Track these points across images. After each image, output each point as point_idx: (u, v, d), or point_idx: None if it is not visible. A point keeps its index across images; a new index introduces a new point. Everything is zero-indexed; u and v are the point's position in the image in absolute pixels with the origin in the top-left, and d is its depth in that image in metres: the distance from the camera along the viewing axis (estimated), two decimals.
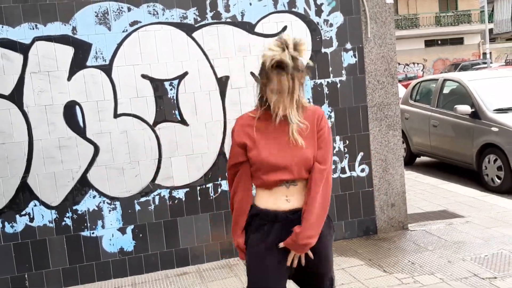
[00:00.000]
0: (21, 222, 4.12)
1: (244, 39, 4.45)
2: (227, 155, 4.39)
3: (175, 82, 4.32)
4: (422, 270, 3.90)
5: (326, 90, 4.64)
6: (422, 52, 35.19)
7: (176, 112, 4.33)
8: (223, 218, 4.47)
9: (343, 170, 4.73)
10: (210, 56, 4.37)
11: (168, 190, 4.36)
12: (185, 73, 4.34)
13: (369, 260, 4.20)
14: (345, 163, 4.73)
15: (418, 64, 34.93)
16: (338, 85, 4.66)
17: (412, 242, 4.55)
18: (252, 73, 4.39)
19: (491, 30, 36.85)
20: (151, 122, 4.28)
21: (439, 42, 36.08)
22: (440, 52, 35.38)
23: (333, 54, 4.63)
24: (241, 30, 4.44)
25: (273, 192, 2.22)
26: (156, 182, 4.34)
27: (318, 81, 4.61)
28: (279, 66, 2.11)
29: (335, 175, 4.69)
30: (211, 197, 4.45)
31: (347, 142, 4.72)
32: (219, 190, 4.46)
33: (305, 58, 2.22)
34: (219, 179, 4.45)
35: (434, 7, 35.33)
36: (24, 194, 4.10)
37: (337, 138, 4.69)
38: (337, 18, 4.61)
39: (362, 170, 4.79)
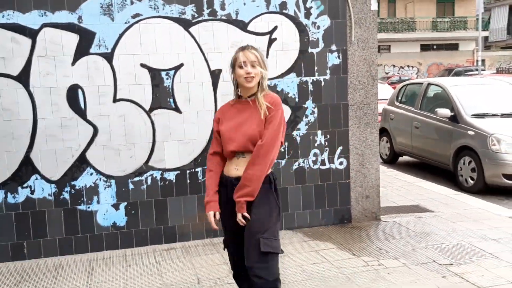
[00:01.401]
0: (22, 194, 4.46)
1: (237, 36, 4.80)
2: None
3: (171, 72, 4.67)
4: (387, 255, 4.30)
5: (311, 87, 5.01)
6: (418, 56, 35.66)
7: (171, 100, 4.69)
8: None
9: (322, 162, 5.11)
10: (204, 50, 4.73)
11: (160, 172, 4.72)
12: (181, 65, 4.69)
13: (340, 244, 4.60)
14: (325, 155, 5.11)
15: (413, 67, 35.38)
16: (322, 84, 5.03)
17: (382, 231, 4.95)
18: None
19: (486, 38, 37.39)
20: (147, 108, 4.64)
21: (435, 47, 36.58)
22: (435, 56, 35.86)
23: (319, 54, 5.00)
24: (234, 28, 4.79)
25: (229, 163, 2.83)
26: (149, 163, 4.69)
27: (304, 78, 4.98)
28: (241, 48, 2.82)
29: (315, 166, 5.08)
30: (200, 181, 4.82)
31: (328, 136, 5.10)
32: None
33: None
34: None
35: (431, 12, 35.80)
36: (27, 168, 4.44)
37: (319, 132, 5.07)
38: (325, 21, 4.98)
39: (341, 163, 5.18)
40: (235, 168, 2.77)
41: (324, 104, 5.06)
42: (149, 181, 4.70)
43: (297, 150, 5.05)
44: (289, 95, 4.98)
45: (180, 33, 4.66)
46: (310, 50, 4.98)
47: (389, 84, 20.50)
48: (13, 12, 4.31)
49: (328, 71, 5.04)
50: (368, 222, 5.24)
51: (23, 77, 4.38)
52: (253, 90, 2.78)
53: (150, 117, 4.66)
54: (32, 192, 4.48)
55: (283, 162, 5.01)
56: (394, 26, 34.49)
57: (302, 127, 5.04)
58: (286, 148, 5.01)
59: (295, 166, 5.05)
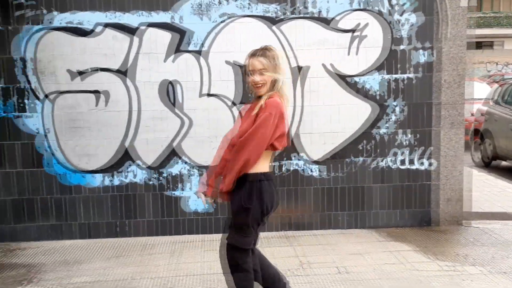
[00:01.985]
0: (116, 178, 4.93)
1: (320, 33, 4.87)
2: (291, 137, 4.90)
3: None
4: (464, 261, 4.14)
5: (393, 85, 4.94)
6: None
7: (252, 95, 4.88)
8: (285, 194, 4.99)
9: (403, 162, 5.02)
10: (287, 48, 4.86)
11: None
12: None
13: (416, 247, 4.50)
14: (405, 155, 5.01)
15: None
16: (406, 82, 4.94)
17: (462, 237, 4.75)
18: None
19: None
20: (229, 103, 4.88)
21: None
22: None
23: (403, 52, 4.91)
24: (318, 25, 4.87)
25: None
26: None
27: (387, 76, 4.92)
28: (253, 54, 2.90)
29: (395, 166, 5.00)
30: (276, 174, 4.98)
31: (410, 136, 5.00)
32: (283, 168, 4.97)
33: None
34: (285, 159, 4.96)
35: None
36: (122, 155, 4.90)
37: (400, 131, 4.99)
38: (411, 18, 4.87)
39: (422, 164, 5.04)
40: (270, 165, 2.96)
41: (407, 103, 4.97)
42: None
43: (377, 148, 5.01)
44: (372, 93, 4.95)
45: (265, 31, 4.84)
46: (394, 47, 4.91)
47: (490, 82, 19.15)
48: (115, 13, 4.76)
49: (412, 69, 4.93)
50: (448, 226, 5.06)
51: (123, 72, 4.83)
52: (265, 92, 2.85)
53: (231, 111, 4.90)
54: (125, 177, 4.93)
55: (361, 159, 5.01)
56: (498, 21, 31.99)
57: (383, 126, 4.99)
58: (364, 146, 5.00)
59: (374, 164, 5.02)
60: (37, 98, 4.79)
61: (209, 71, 4.86)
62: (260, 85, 2.81)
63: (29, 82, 4.77)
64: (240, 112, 3.07)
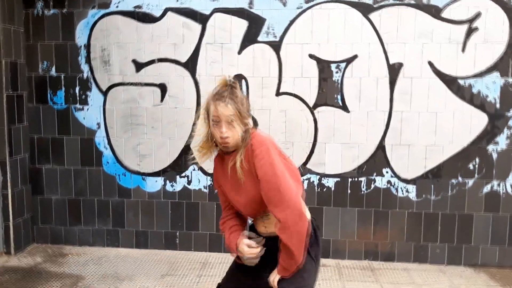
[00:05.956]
0: (180, 183, 4.39)
1: (426, 24, 3.97)
2: (387, 149, 4.05)
3: (342, 65, 4.07)
4: None
5: None
6: None
7: (339, 96, 4.10)
8: (372, 216, 4.16)
9: None
10: (384, 40, 4.01)
11: (318, 177, 4.20)
12: (355, 56, 4.06)
13: None
14: None
15: None
16: None
17: None
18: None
19: None
20: (311, 104, 4.14)
21: None
22: None
23: None
24: (424, 14, 3.97)
25: (255, 220, 2.27)
26: (307, 166, 4.20)
27: (510, 79, 3.91)
28: (218, 95, 2.05)
29: None
30: (363, 192, 4.16)
31: None
32: (372, 186, 4.14)
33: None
34: (374, 174, 4.12)
35: None
36: (186, 156, 4.34)
37: None
38: None
39: None
40: (264, 227, 2.21)
41: None
42: (305, 185, 4.22)
43: (491, 169, 4.02)
44: (488, 99, 3.97)
45: (357, 20, 4.03)
46: None
47: None
48: None
49: None
50: None
51: (191, 64, 4.27)
52: (236, 146, 2.08)
53: (313, 114, 4.15)
54: (189, 182, 4.37)
55: (470, 182, 4.04)
56: None
57: (502, 141, 3.98)
58: (477, 165, 4.02)
59: (487, 189, 4.03)
60: (100, 89, 4.36)
61: (289, 66, 4.14)
62: (228, 142, 2.04)
63: (92, 72, 4.36)
64: (216, 176, 2.27)
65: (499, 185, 4.02)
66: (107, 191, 4.44)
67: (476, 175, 4.04)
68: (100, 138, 4.40)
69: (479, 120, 4.01)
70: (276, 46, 4.14)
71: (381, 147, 4.10)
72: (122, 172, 4.42)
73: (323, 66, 4.09)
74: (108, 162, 4.42)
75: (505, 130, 3.98)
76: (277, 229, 2.01)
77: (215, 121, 2.04)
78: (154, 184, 4.40)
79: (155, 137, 4.35)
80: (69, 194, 4.48)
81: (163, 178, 4.39)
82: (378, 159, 4.11)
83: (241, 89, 2.16)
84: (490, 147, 4.00)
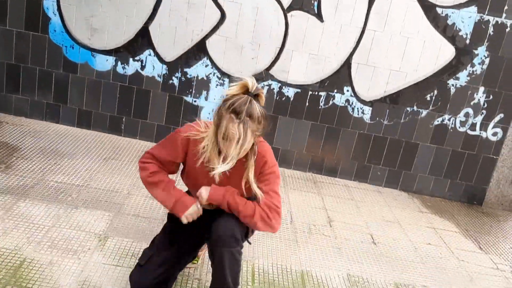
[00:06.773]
0: (132, 66, 4.10)
1: None
2: (352, 67, 3.98)
3: None
4: None
5: (491, 30, 3.90)
6: None
7: (315, 3, 3.89)
8: (324, 132, 4.18)
9: (472, 126, 4.14)
10: None
11: (279, 85, 4.09)
12: None
13: (465, 230, 3.76)
14: (478, 119, 4.12)
15: None
16: (508, 29, 3.90)
17: None
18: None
19: None
20: (285, 6, 3.90)
21: None
22: None
23: None
24: None
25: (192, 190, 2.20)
26: (270, 71, 4.06)
27: (486, 17, 3.88)
28: (234, 111, 1.86)
29: (462, 129, 4.13)
30: (320, 107, 4.13)
31: (491, 97, 4.06)
32: (331, 102, 4.10)
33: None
34: (335, 90, 4.08)
35: None
36: (143, 40, 4.02)
37: (481, 89, 4.05)
38: None
39: (494, 134, 4.16)
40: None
41: (499, 56, 3.97)
42: (264, 92, 4.10)
43: (447, 103, 4.10)
44: (460, 33, 3.94)
45: None
46: None
47: None
48: None
49: None
50: (502, 211, 4.29)
51: None
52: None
53: (286, 17, 3.93)
54: (143, 67, 4.10)
55: (424, 112, 4.12)
56: None
57: (463, 78, 4.04)
58: (434, 97, 4.08)
59: (437, 121, 4.14)
60: None
61: None
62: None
63: None
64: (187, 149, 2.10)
65: (449, 119, 4.14)
66: (51, 61, 4.07)
67: (430, 107, 4.12)
68: (49, 3, 3.94)
69: (447, 53, 4.01)
70: None
71: (347, 64, 4.02)
72: (70, 44, 4.04)
73: None
74: (55, 30, 4.01)
75: (468, 67, 4.02)
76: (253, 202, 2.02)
77: (225, 138, 1.90)
78: (104, 63, 4.08)
79: (110, 11, 3.96)
80: (8, 58, 4.07)
81: (114, 58, 4.08)
82: (342, 76, 4.05)
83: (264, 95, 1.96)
84: (451, 82, 4.05)
